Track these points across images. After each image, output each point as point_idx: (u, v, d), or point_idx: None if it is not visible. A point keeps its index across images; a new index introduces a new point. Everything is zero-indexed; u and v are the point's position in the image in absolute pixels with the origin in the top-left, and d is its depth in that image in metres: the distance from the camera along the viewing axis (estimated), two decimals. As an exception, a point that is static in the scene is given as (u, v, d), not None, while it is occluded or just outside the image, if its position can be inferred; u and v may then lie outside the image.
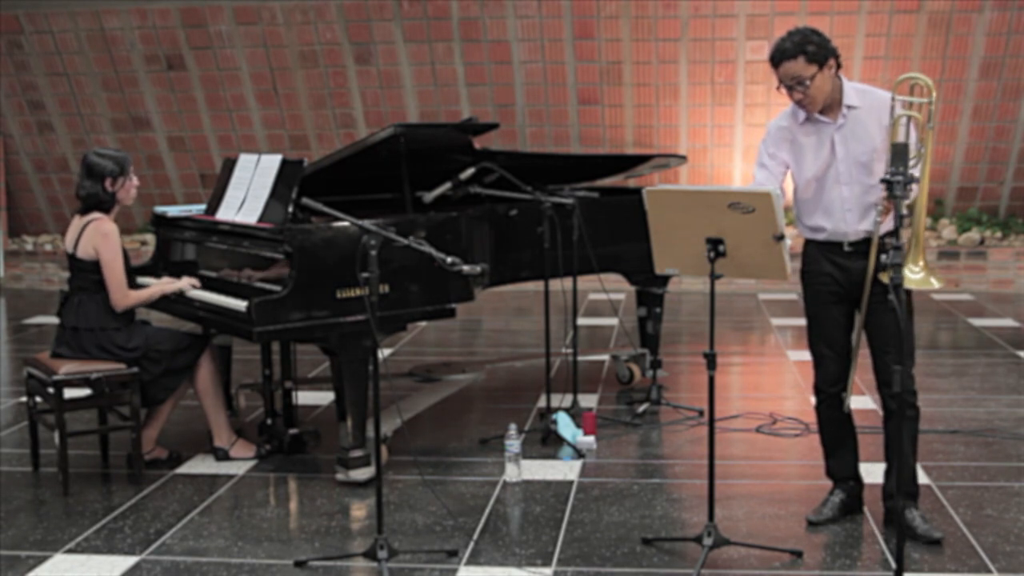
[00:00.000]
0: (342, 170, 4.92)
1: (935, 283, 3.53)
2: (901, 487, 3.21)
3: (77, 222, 4.65)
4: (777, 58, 3.73)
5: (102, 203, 4.63)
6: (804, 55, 3.70)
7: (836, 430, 4.03)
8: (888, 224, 3.73)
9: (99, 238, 4.55)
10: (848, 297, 3.85)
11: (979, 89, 9.61)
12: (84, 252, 4.57)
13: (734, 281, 9.24)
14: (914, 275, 3.52)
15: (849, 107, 3.79)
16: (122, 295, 4.57)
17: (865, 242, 3.76)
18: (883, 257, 3.09)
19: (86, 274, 4.59)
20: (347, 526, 4.08)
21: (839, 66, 3.79)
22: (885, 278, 3.58)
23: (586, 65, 9.85)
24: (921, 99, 3.60)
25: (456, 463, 4.78)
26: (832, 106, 3.81)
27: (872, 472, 4.51)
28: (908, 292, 3.71)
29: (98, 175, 4.60)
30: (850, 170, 3.78)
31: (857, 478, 4.07)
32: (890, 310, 3.74)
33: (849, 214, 3.77)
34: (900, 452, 3.52)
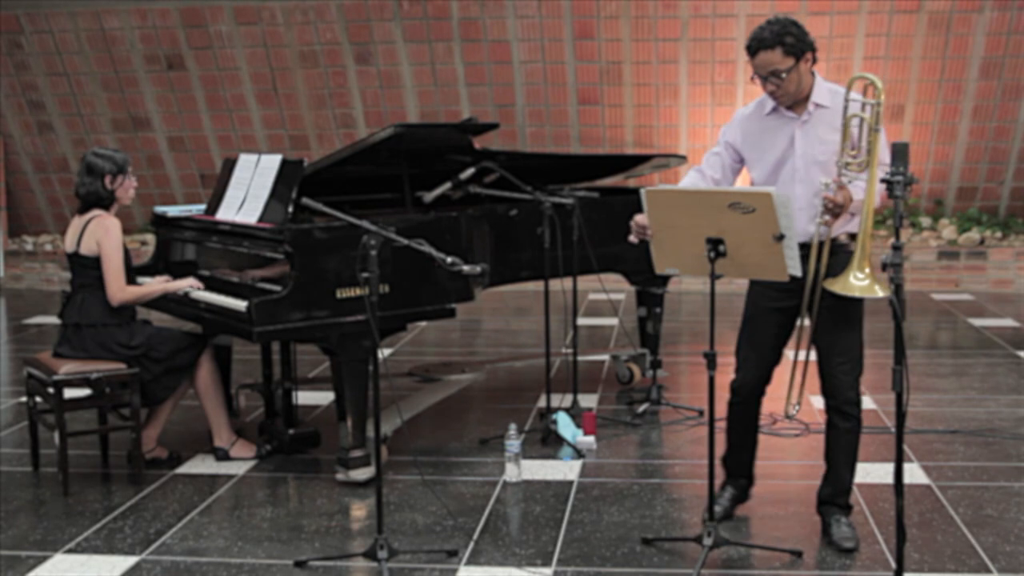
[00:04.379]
0: (342, 170, 4.92)
1: (879, 292, 3.46)
2: (900, 489, 3.21)
3: (78, 221, 4.65)
4: (754, 47, 3.67)
5: (102, 200, 4.65)
6: (782, 46, 3.64)
7: (744, 432, 4.05)
8: (841, 227, 3.71)
9: (101, 232, 4.56)
10: (790, 303, 3.81)
11: (979, 89, 9.61)
12: (87, 248, 4.58)
13: (734, 281, 9.20)
14: (859, 282, 3.49)
15: (817, 104, 3.74)
16: (118, 288, 4.57)
17: (810, 246, 3.70)
18: (883, 257, 3.09)
19: (89, 271, 4.60)
20: (347, 526, 4.08)
21: (815, 61, 3.74)
22: (833, 286, 3.57)
23: (586, 65, 9.85)
24: (872, 100, 3.57)
25: (456, 463, 4.78)
26: (801, 101, 3.76)
27: (871, 472, 4.51)
28: (860, 300, 3.67)
29: (98, 173, 4.62)
30: (807, 168, 3.74)
31: (750, 476, 4.14)
32: (850, 318, 3.76)
33: (800, 213, 3.69)
34: (900, 451, 3.52)
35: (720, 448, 4.90)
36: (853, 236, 3.72)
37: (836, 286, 3.55)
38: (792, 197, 3.64)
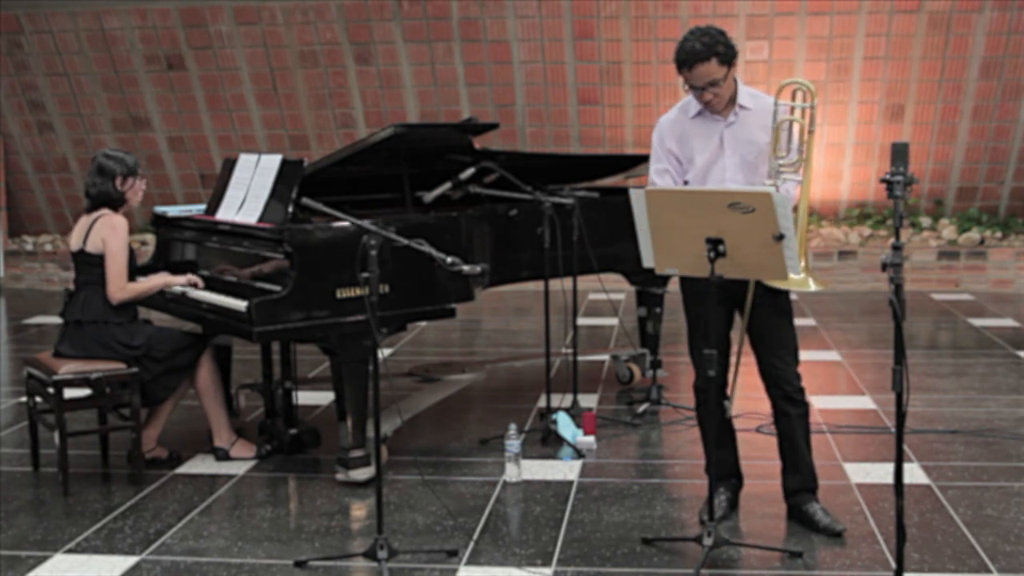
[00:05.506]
0: (342, 170, 4.92)
1: (813, 286, 3.60)
2: (900, 489, 3.21)
3: (85, 220, 4.68)
4: (690, 61, 3.74)
5: (112, 201, 4.68)
6: (716, 56, 3.73)
7: (718, 431, 4.04)
8: None
9: (108, 229, 4.58)
10: (730, 298, 3.87)
11: (979, 89, 9.61)
12: (93, 246, 4.59)
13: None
14: (795, 276, 3.55)
15: (742, 107, 3.84)
16: (119, 286, 4.58)
17: None
18: (883, 257, 3.09)
19: (93, 268, 4.61)
20: (347, 526, 4.08)
21: (736, 64, 3.84)
22: (772, 281, 3.64)
23: (586, 65, 9.85)
24: (803, 104, 3.65)
25: (456, 463, 4.78)
26: (726, 105, 3.85)
27: (871, 472, 4.52)
28: (787, 292, 3.81)
29: (109, 174, 4.66)
30: (737, 167, 3.82)
31: (738, 475, 4.15)
32: (783, 311, 3.82)
33: None
34: (900, 451, 3.52)
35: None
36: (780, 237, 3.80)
37: (776, 281, 3.62)
38: None
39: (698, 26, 3.81)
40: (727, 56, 3.74)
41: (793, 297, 4.03)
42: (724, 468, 4.10)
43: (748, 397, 5.90)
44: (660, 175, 3.95)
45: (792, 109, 3.69)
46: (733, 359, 4.07)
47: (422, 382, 5.84)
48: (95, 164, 4.69)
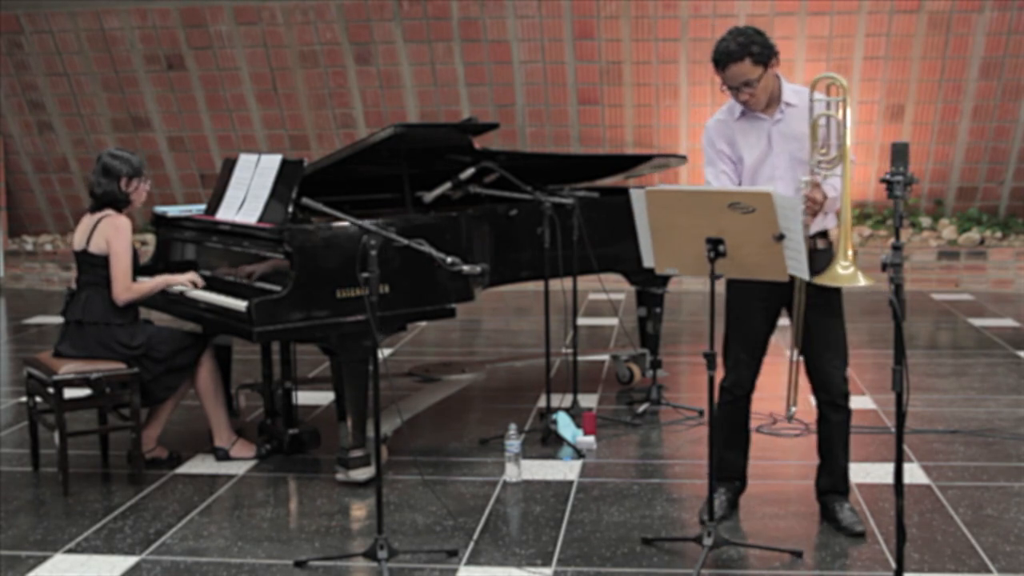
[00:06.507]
0: (342, 170, 4.92)
1: (862, 280, 3.57)
2: (900, 489, 3.21)
3: (88, 220, 4.67)
4: (724, 61, 3.76)
5: (116, 202, 4.68)
6: (750, 56, 3.73)
7: (733, 432, 4.06)
8: (817, 225, 3.77)
9: (112, 231, 4.58)
10: (774, 300, 3.86)
11: (979, 89, 9.61)
12: (96, 246, 4.59)
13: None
14: (844, 271, 3.56)
15: (787, 104, 3.83)
16: (124, 287, 4.58)
17: None
18: (883, 257, 3.09)
19: (96, 269, 4.61)
20: (347, 526, 4.08)
21: (778, 63, 3.82)
22: (821, 279, 3.62)
23: (586, 65, 9.85)
24: (837, 98, 3.64)
25: (456, 463, 4.78)
26: (770, 103, 3.84)
27: (871, 472, 4.52)
28: (838, 290, 3.78)
29: (114, 175, 4.65)
30: (786, 165, 3.81)
31: (743, 478, 4.14)
32: (835, 311, 3.81)
33: None
34: (900, 451, 3.52)
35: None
36: (824, 234, 3.84)
37: (826, 279, 3.60)
38: None
39: (737, 26, 3.82)
40: (762, 56, 3.73)
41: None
42: (731, 469, 4.10)
43: (748, 397, 5.91)
44: (717, 178, 3.90)
45: (828, 104, 3.66)
46: (788, 360, 4.03)
47: (422, 382, 5.84)
48: (100, 164, 4.68)
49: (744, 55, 3.72)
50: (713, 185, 3.90)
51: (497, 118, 9.55)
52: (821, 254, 3.77)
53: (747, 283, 3.75)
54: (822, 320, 3.85)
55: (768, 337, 3.97)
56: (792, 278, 3.70)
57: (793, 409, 4.08)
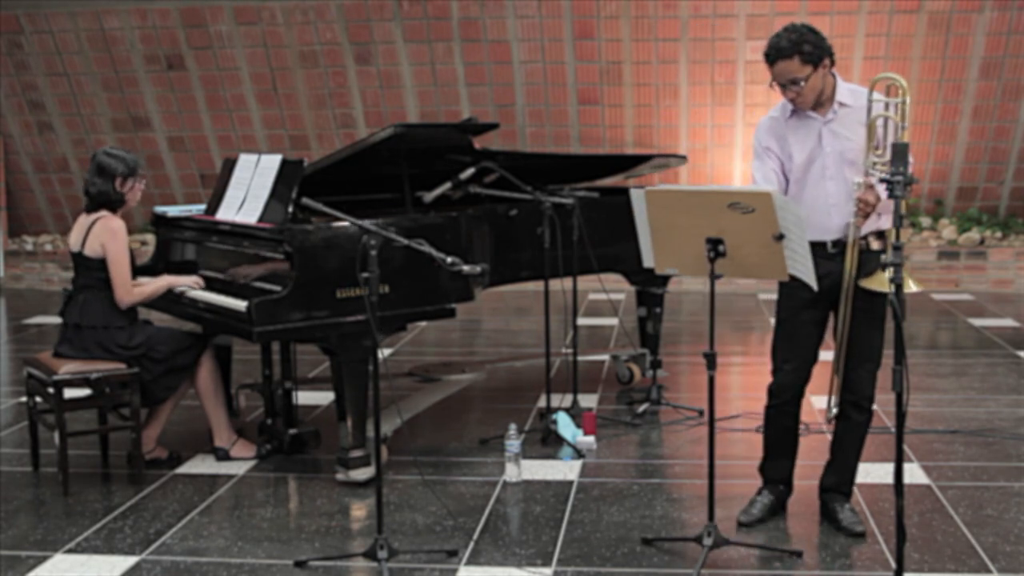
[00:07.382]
0: (342, 170, 4.92)
1: (913, 287, 3.52)
2: (900, 489, 3.21)
3: (83, 220, 4.65)
4: (773, 56, 3.73)
5: (111, 202, 4.65)
6: (800, 55, 3.69)
7: (782, 436, 4.05)
8: (869, 226, 3.74)
9: (107, 235, 4.55)
10: (823, 301, 3.82)
11: (979, 89, 9.61)
12: (91, 250, 4.58)
13: (734, 281, 9.23)
14: None
15: (841, 104, 3.80)
16: (127, 291, 4.58)
17: (845, 244, 3.75)
18: (883, 256, 3.09)
19: (92, 272, 4.59)
20: (347, 526, 4.08)
21: (833, 63, 3.78)
22: (870, 284, 3.59)
23: (586, 65, 9.85)
24: (896, 99, 3.61)
25: (456, 463, 4.78)
26: (824, 102, 3.81)
27: (871, 472, 4.51)
28: (884, 295, 3.70)
29: (109, 175, 4.62)
30: (837, 165, 3.78)
31: (788, 483, 4.11)
32: (878, 317, 3.78)
33: (834, 210, 3.76)
34: (900, 451, 3.52)
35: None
36: (880, 235, 3.78)
37: (873, 283, 3.57)
38: (824, 195, 3.75)
39: (793, 23, 3.76)
40: (812, 56, 3.68)
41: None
42: (775, 473, 4.09)
43: (748, 397, 5.90)
44: (765, 176, 3.87)
45: (886, 105, 3.63)
46: (828, 360, 3.98)
47: (422, 382, 5.84)
48: (95, 163, 4.64)
49: (794, 53, 3.67)
50: (757, 181, 3.88)
51: (497, 118, 9.55)
52: (875, 255, 3.73)
53: (794, 286, 3.71)
54: (864, 323, 3.80)
55: (818, 342, 3.92)
56: (840, 281, 3.69)
57: (834, 411, 4.01)
